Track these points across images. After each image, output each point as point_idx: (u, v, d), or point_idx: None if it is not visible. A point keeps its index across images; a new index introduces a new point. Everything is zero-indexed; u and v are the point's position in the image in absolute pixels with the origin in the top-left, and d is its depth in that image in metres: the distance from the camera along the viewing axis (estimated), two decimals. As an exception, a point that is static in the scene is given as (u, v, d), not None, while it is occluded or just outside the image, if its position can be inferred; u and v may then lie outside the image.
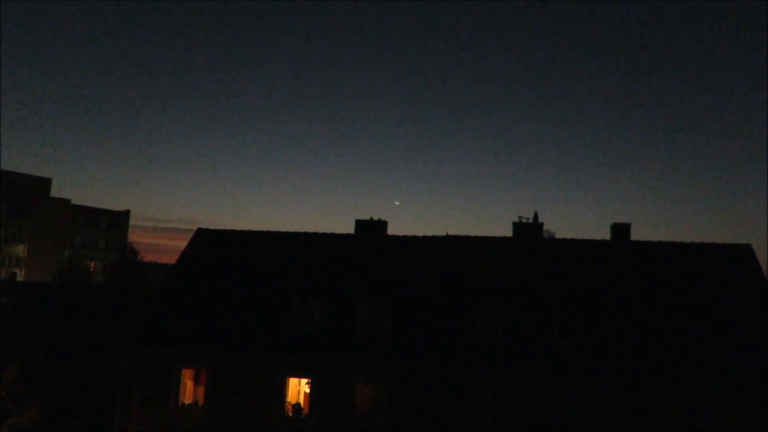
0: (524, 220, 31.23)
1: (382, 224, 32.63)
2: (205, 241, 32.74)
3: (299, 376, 27.39)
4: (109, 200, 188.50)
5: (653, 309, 26.51)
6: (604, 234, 32.18)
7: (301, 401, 27.66)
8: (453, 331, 26.82)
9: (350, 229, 33.20)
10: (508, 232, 31.71)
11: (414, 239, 31.69)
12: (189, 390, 27.99)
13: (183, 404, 27.60)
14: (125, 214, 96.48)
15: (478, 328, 26.61)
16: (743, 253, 28.32)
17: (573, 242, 30.47)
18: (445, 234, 31.49)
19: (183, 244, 31.96)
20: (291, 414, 26.95)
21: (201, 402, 27.38)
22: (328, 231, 32.90)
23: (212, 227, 33.93)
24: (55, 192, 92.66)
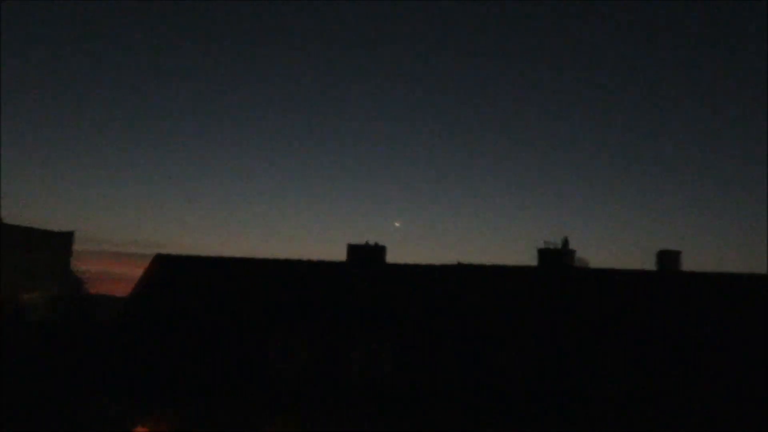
0: (552, 246, 31.21)
1: (380, 249, 32.49)
2: (166, 268, 32.55)
3: (282, 429, 26.89)
4: (49, 219, 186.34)
5: (707, 350, 26.33)
6: (649, 263, 32.22)
7: (283, 461, 27.04)
8: (466, 376, 26.69)
9: (341, 255, 33.03)
10: (532, 260, 31.63)
11: (418, 268, 31.61)
12: (146, 451, 27.26)
13: (139, 468, 26.88)
14: (68, 236, 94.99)
15: (495, 373, 26.51)
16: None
17: (610, 273, 30.36)
18: (456, 262, 31.34)
19: (138, 272, 33.40)
20: (271, 477, 26.32)
21: (161, 465, 26.63)
22: (315, 257, 32.88)
23: (174, 252, 33.92)
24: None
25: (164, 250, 34.41)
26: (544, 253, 31.36)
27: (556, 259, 31.21)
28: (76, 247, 67.62)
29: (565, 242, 31.29)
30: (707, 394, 25.41)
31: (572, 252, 31.43)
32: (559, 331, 27.75)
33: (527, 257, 34.66)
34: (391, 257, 33.00)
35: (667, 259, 30.71)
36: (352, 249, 32.62)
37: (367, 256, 32.42)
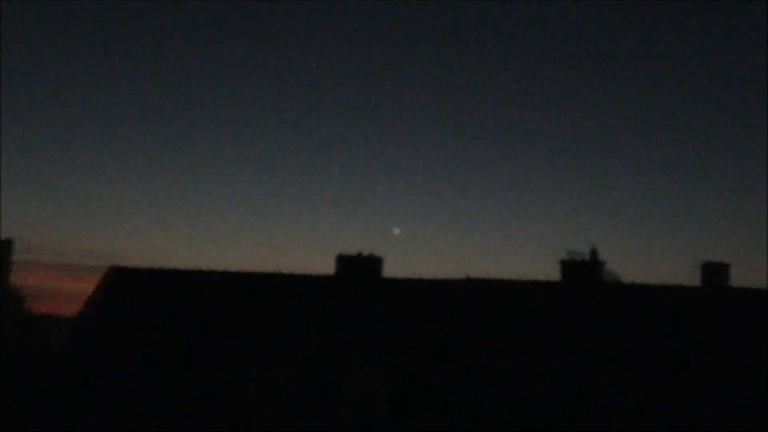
0: (577, 257, 30.18)
1: (375, 261, 30.94)
2: (123, 283, 30.65)
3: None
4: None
5: (763, 377, 25.39)
6: (693, 277, 31.54)
7: None
8: (476, 410, 25.60)
9: (330, 267, 31.36)
10: (554, 273, 30.72)
11: (421, 283, 30.27)
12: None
13: None
14: (5, 245, 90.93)
15: (510, 407, 25.54)
16: None
17: (647, 288, 29.46)
18: (465, 276, 30.10)
19: (89, 287, 31.60)
20: None
21: None
22: (298, 270, 31.39)
23: (132, 264, 32.16)
24: None
25: (120, 262, 32.91)
26: (568, 266, 30.18)
27: (583, 272, 30.31)
28: (16, 257, 64.58)
29: (593, 252, 30.25)
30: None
31: (601, 264, 30.38)
32: (587, 357, 27.02)
33: (548, 270, 33.78)
34: (389, 270, 31.37)
35: (714, 272, 29.87)
36: (343, 260, 30.79)
37: (360, 268, 30.80)
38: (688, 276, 30.42)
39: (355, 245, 57.77)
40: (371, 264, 30.86)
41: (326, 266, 31.26)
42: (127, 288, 30.59)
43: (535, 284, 29.94)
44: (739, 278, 30.90)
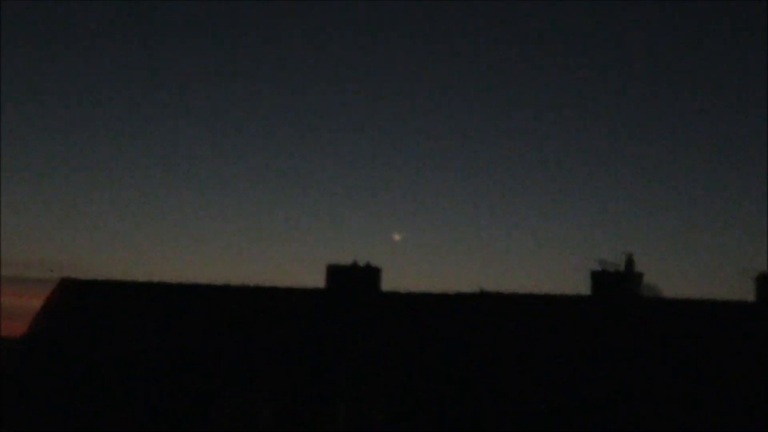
0: (610, 268, 28.41)
1: (373, 272, 29.52)
2: (76, 297, 29.39)
3: None
4: None
5: None
6: (745, 290, 29.47)
7: None
8: None
9: (320, 280, 29.91)
10: (583, 286, 28.92)
11: (425, 297, 28.79)
12: None
13: None
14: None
15: None
16: None
17: (692, 304, 27.46)
18: (477, 290, 28.66)
19: (37, 303, 30.12)
20: None
21: None
22: (284, 283, 29.85)
23: (89, 277, 30.69)
24: None
25: (73, 274, 31.29)
26: (599, 278, 27.99)
27: (617, 285, 28.19)
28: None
29: (629, 262, 28.20)
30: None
31: (639, 276, 28.31)
32: (622, 383, 24.89)
33: (576, 282, 31.68)
34: (389, 282, 29.85)
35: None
36: (335, 271, 29.14)
37: (354, 280, 29.17)
38: (740, 289, 28.46)
39: (349, 254, 55.27)
40: (368, 275, 29.21)
41: (315, 278, 29.84)
42: (81, 303, 29.05)
43: (561, 299, 27.73)
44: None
